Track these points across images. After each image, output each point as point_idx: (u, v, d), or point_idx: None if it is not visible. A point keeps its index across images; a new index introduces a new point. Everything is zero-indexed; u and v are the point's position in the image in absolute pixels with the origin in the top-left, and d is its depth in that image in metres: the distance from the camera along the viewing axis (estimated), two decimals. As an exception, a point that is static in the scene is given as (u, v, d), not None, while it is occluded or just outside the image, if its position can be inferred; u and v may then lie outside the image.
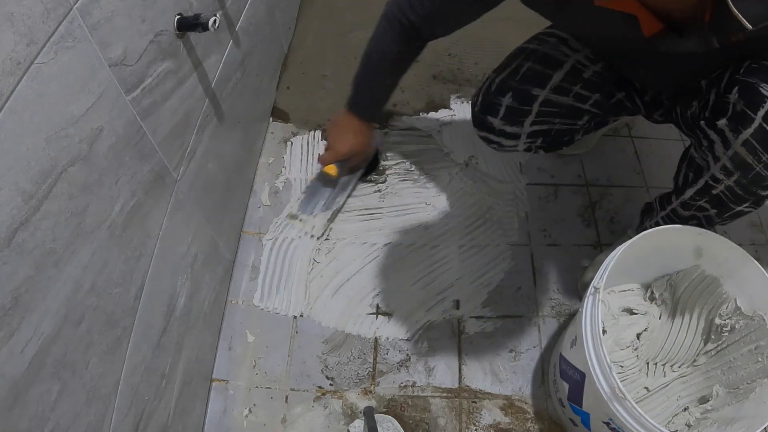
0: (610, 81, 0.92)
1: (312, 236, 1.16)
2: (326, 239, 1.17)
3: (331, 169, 1.11)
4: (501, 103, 0.91)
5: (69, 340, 0.56)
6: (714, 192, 0.78)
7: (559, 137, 0.98)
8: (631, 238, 0.81)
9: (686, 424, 0.89)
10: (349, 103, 1.05)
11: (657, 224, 0.95)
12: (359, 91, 1.03)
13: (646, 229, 0.83)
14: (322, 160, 1.11)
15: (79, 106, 0.55)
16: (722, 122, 0.70)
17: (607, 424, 0.76)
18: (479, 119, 0.97)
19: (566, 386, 0.87)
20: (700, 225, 0.87)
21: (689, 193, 0.84)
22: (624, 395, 0.68)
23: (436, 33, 0.91)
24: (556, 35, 0.93)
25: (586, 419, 0.84)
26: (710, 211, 0.83)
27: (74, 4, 0.53)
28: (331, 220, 1.18)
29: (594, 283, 0.78)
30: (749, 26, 0.58)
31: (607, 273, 0.78)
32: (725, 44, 0.65)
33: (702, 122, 0.75)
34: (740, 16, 0.58)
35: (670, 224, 0.89)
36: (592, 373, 0.73)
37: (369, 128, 1.10)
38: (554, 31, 0.94)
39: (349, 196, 1.21)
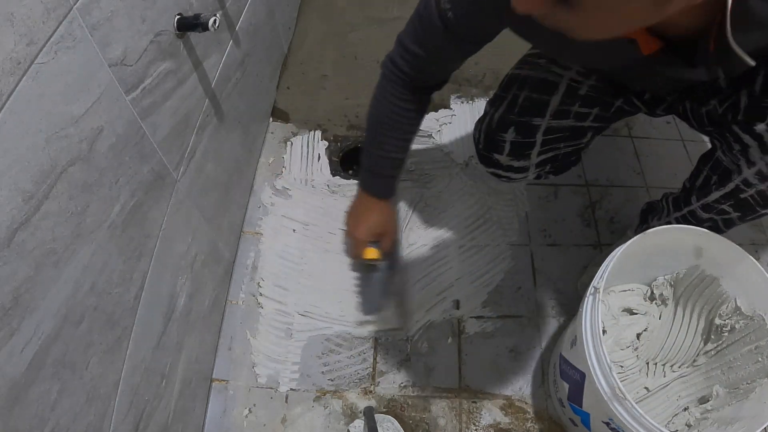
0: (607, 92, 0.90)
1: (393, 330, 1.09)
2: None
3: (371, 254, 0.95)
4: (505, 140, 0.90)
5: (69, 340, 0.56)
6: (742, 196, 0.77)
7: (566, 159, 0.98)
8: (630, 238, 0.81)
9: (686, 424, 0.89)
10: (360, 183, 0.96)
11: (668, 224, 0.94)
12: (369, 165, 0.94)
13: (651, 228, 0.83)
14: (353, 255, 0.97)
15: (79, 106, 0.55)
16: (761, 127, 0.68)
17: (607, 424, 0.76)
18: (485, 157, 0.96)
19: (566, 386, 0.87)
20: (715, 227, 0.86)
21: (714, 195, 0.82)
22: (624, 395, 0.68)
23: (434, 79, 0.87)
24: (544, 56, 0.91)
25: (586, 419, 0.84)
26: (732, 214, 0.82)
27: (74, 4, 0.53)
28: (401, 305, 1.07)
29: (594, 283, 0.78)
30: (752, 63, 0.57)
31: (607, 273, 0.78)
32: (732, 75, 0.63)
33: (734, 126, 0.73)
34: (742, 54, 0.56)
35: (681, 224, 0.89)
36: (592, 373, 0.73)
37: (386, 205, 0.96)
38: (542, 52, 0.92)
39: (402, 275, 1.08)
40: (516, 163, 0.93)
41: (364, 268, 1.02)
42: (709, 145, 0.86)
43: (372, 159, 0.93)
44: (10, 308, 0.47)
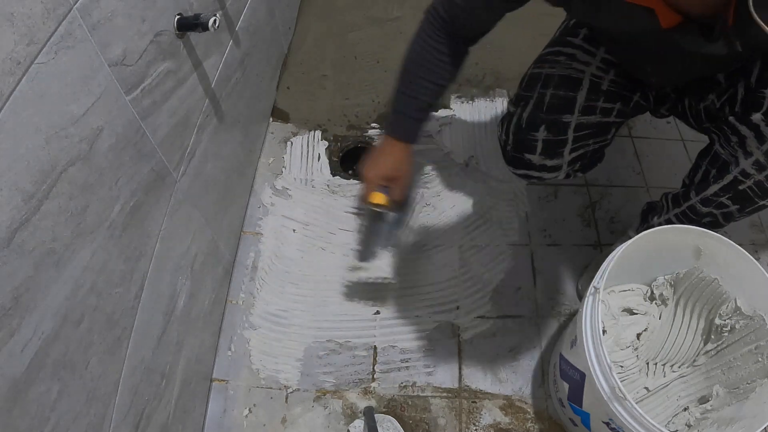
0: (626, 86, 0.91)
1: (381, 280, 1.10)
2: (394, 281, 1.11)
3: (377, 198, 0.94)
4: (536, 138, 0.90)
5: (69, 340, 0.56)
6: (741, 187, 0.78)
7: (593, 156, 0.98)
8: (631, 238, 0.81)
9: (686, 424, 0.89)
10: (384, 127, 0.96)
11: (669, 221, 0.95)
12: (396, 106, 0.93)
13: (652, 227, 0.83)
14: (361, 196, 0.96)
15: (79, 106, 0.55)
16: (757, 116, 0.70)
17: (607, 424, 0.76)
18: (515, 158, 0.94)
19: (566, 386, 0.87)
20: (714, 222, 0.86)
21: (713, 189, 0.82)
22: (624, 395, 0.68)
23: (469, 30, 0.87)
24: (563, 53, 0.91)
25: (586, 419, 0.84)
26: (731, 207, 0.83)
27: (74, 4, 0.53)
28: (398, 258, 1.09)
29: (594, 283, 0.78)
30: None
31: (607, 273, 0.78)
32: (751, 48, 0.64)
33: (731, 117, 0.74)
34: (763, 24, 0.57)
35: (683, 221, 0.89)
36: (592, 373, 0.73)
37: (404, 149, 0.94)
38: (560, 49, 0.92)
39: (406, 228, 1.12)
40: (549, 162, 0.92)
41: (371, 215, 0.99)
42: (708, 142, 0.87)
43: (400, 100, 0.92)
44: (10, 308, 0.47)
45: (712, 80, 0.79)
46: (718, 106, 0.79)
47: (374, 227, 1.00)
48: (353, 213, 1.22)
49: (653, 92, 0.95)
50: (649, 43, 0.78)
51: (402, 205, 0.99)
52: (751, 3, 0.57)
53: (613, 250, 0.81)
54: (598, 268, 0.81)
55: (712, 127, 0.83)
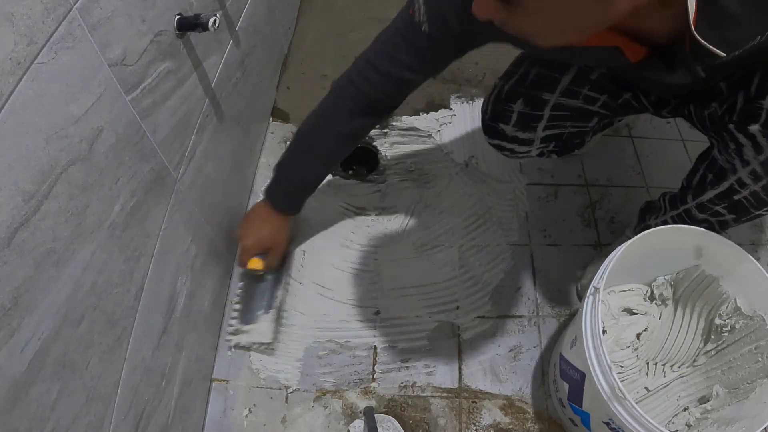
0: (618, 83, 0.91)
1: (263, 345, 1.03)
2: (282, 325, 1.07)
3: (255, 264, 0.98)
4: (512, 110, 0.91)
5: (69, 340, 0.56)
6: (736, 197, 0.77)
7: (570, 140, 0.98)
8: (629, 238, 0.81)
9: (686, 424, 0.89)
10: (266, 191, 0.97)
11: (665, 223, 0.94)
12: (283, 179, 0.95)
13: (650, 227, 0.83)
14: (240, 262, 1.00)
15: (79, 106, 0.55)
16: (755, 128, 0.69)
17: (607, 424, 0.76)
18: (490, 127, 0.96)
19: (566, 386, 0.87)
20: (711, 228, 0.86)
21: (709, 195, 0.82)
22: (624, 395, 0.68)
23: (392, 104, 0.88)
24: None
25: (586, 419, 0.84)
26: (727, 216, 0.82)
27: (74, 4, 0.53)
28: (278, 321, 1.06)
29: (594, 283, 0.79)
30: (723, 55, 0.58)
31: (607, 273, 0.78)
32: (712, 72, 0.64)
33: (731, 126, 0.74)
34: (709, 46, 0.57)
35: (678, 223, 0.88)
36: (592, 373, 0.73)
37: (283, 221, 0.98)
38: None
39: (284, 289, 1.09)
40: (521, 135, 0.93)
41: (249, 277, 1.04)
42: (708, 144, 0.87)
43: (288, 171, 0.93)
44: (10, 308, 0.47)
45: (714, 89, 0.79)
46: (720, 113, 0.79)
47: (254, 289, 1.04)
48: (353, 213, 1.22)
49: (651, 97, 0.95)
50: (625, 73, 0.81)
51: (279, 266, 1.05)
52: (692, 26, 0.56)
53: (613, 250, 0.82)
54: (596, 267, 0.81)
55: (713, 133, 0.83)
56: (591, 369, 0.74)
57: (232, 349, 1.04)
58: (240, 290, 1.07)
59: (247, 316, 1.03)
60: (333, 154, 0.93)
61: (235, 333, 1.04)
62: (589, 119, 0.94)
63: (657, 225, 0.92)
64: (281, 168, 0.95)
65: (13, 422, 0.49)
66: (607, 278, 0.78)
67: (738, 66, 0.71)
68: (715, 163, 0.81)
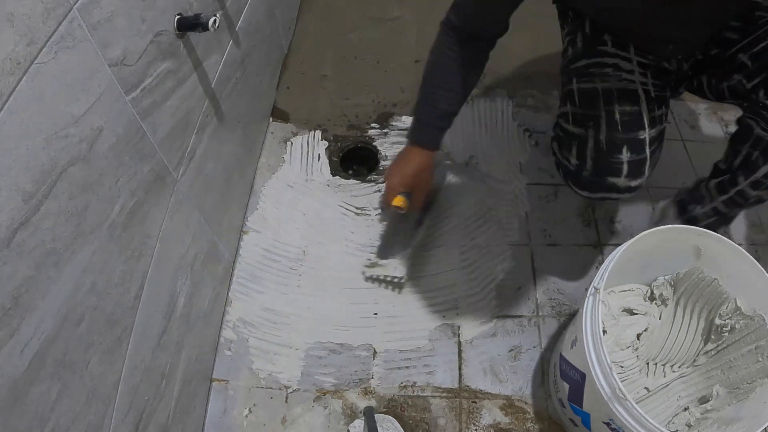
0: (662, 87, 0.90)
1: (396, 279, 1.09)
2: (407, 279, 1.11)
3: (399, 201, 0.99)
4: (621, 161, 0.86)
5: (69, 340, 0.56)
6: None
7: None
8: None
9: (686, 424, 0.89)
10: (408, 134, 1.01)
11: (715, 210, 0.97)
12: (419, 115, 0.97)
13: (696, 218, 0.84)
14: (384, 201, 1.03)
15: (79, 106, 0.55)
16: None
17: (608, 424, 0.76)
18: (596, 183, 0.90)
19: (566, 386, 0.87)
20: (759, 200, 0.88)
21: (763, 170, 0.83)
22: (624, 395, 0.68)
23: (484, 34, 0.90)
24: (606, 64, 0.89)
25: (586, 419, 0.84)
26: None
27: (74, 4, 0.53)
28: (414, 259, 1.11)
29: (594, 283, 0.79)
30: None
31: (607, 273, 0.78)
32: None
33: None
34: None
35: (731, 206, 0.91)
36: (593, 373, 0.73)
37: (426, 158, 0.99)
38: (599, 60, 0.90)
39: (425, 231, 1.14)
40: (634, 183, 0.88)
41: (393, 216, 1.07)
42: (723, 133, 0.89)
43: (421, 108, 0.96)
44: (10, 308, 0.47)
45: (734, 60, 0.81)
46: (749, 87, 0.79)
47: (396, 228, 1.07)
48: (353, 213, 1.22)
49: (676, 76, 0.95)
50: (648, 13, 0.79)
51: (422, 207, 1.06)
52: None
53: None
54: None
55: (745, 109, 0.86)
56: (591, 369, 0.74)
57: (368, 278, 1.12)
58: (384, 228, 1.12)
59: (385, 251, 1.09)
60: (453, 83, 0.93)
61: (371, 266, 1.11)
62: (663, 121, 0.91)
63: (706, 213, 0.93)
64: (417, 107, 0.98)
65: (13, 422, 0.49)
66: (607, 278, 0.78)
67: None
68: (761, 140, 0.82)
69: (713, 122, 1.38)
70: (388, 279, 1.09)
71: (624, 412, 0.70)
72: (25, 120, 0.48)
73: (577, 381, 0.81)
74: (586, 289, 1.12)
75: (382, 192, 1.01)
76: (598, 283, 0.77)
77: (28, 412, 0.51)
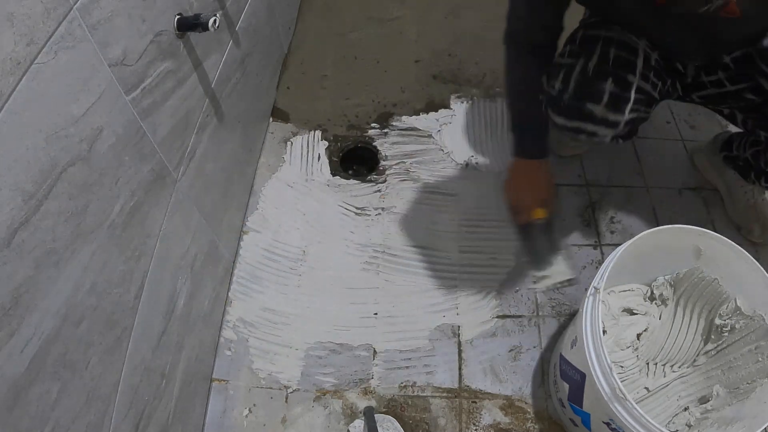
0: (666, 70, 0.92)
1: (569, 280, 1.13)
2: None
3: (540, 213, 1.00)
4: (603, 89, 0.86)
5: (69, 340, 0.56)
6: None
7: (634, 127, 0.97)
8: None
9: (686, 424, 0.89)
10: (516, 151, 1.01)
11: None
12: (519, 131, 1.00)
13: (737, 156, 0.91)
14: (520, 220, 1.03)
15: (79, 106, 0.55)
16: None
17: (608, 424, 0.76)
18: (575, 107, 0.89)
19: (566, 387, 0.87)
20: None
21: None
22: (624, 396, 0.68)
23: (542, 37, 0.93)
24: (614, 24, 0.91)
25: (586, 419, 0.84)
26: None
27: (74, 4, 0.53)
28: (568, 257, 1.17)
29: (594, 283, 0.78)
30: None
31: (607, 273, 0.78)
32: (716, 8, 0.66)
33: None
34: None
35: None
36: (593, 373, 0.73)
37: (545, 166, 1.01)
38: (611, 26, 0.91)
39: (559, 231, 1.18)
40: (612, 117, 0.88)
41: (524, 231, 1.06)
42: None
43: (519, 123, 0.99)
44: (10, 308, 0.47)
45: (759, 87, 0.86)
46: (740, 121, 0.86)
47: (534, 239, 1.06)
48: (353, 213, 1.22)
49: (688, 79, 0.97)
50: (654, 21, 0.82)
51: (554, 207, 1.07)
52: None
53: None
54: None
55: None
56: (591, 369, 0.74)
57: (545, 291, 1.14)
58: (521, 245, 1.13)
59: (540, 263, 1.10)
60: (536, 89, 0.96)
61: (538, 281, 1.13)
62: (651, 105, 0.93)
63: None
64: (512, 123, 1.00)
65: (13, 422, 0.49)
66: (607, 278, 0.78)
67: None
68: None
69: (713, 122, 1.38)
70: (564, 283, 1.13)
71: (624, 412, 0.70)
72: (25, 120, 0.48)
73: (577, 381, 0.81)
74: (586, 289, 1.12)
75: (514, 212, 1.02)
76: (598, 283, 0.77)
77: (28, 412, 0.51)
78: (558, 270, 1.11)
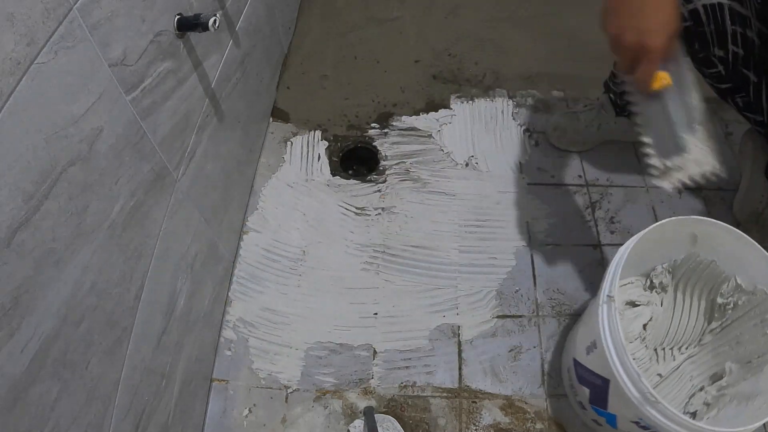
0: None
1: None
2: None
3: (663, 78, 0.72)
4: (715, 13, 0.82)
5: (69, 340, 0.56)
6: None
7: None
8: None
9: (704, 403, 0.89)
10: None
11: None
12: None
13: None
14: (641, 78, 0.72)
15: (79, 106, 0.55)
16: None
17: (637, 423, 0.76)
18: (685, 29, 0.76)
19: (587, 391, 0.86)
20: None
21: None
22: (657, 399, 0.68)
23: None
24: None
25: (612, 419, 0.83)
26: None
27: (74, 4, 0.53)
28: (709, 137, 0.78)
29: (606, 291, 0.78)
30: None
31: (617, 279, 0.78)
32: None
33: None
34: None
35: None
36: (619, 380, 0.73)
37: None
38: None
39: (696, 93, 0.78)
40: (718, 51, 0.84)
41: (652, 100, 0.76)
42: None
43: None
44: (10, 308, 0.47)
45: None
46: None
47: (659, 113, 0.76)
48: (353, 213, 1.22)
49: None
50: None
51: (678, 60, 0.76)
52: None
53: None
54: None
55: None
56: (617, 376, 0.73)
57: (674, 184, 0.76)
58: (641, 119, 0.79)
59: (667, 148, 0.76)
60: None
61: (661, 175, 0.77)
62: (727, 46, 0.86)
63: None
64: None
65: (13, 422, 0.49)
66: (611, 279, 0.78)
67: None
68: None
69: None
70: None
71: (657, 413, 0.70)
72: (25, 120, 0.48)
73: (599, 386, 0.81)
74: (586, 290, 1.13)
75: (624, 51, 0.69)
76: (611, 291, 0.77)
77: (28, 412, 0.51)
78: (693, 158, 0.76)
